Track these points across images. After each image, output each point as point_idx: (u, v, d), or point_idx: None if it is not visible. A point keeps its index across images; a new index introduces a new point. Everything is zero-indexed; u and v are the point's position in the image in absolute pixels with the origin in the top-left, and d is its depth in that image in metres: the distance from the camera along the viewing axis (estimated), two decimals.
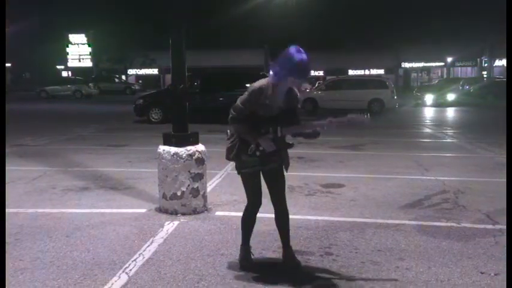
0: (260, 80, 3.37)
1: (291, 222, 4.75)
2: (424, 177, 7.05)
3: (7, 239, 4.24)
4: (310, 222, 4.81)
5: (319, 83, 29.06)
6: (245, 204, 5.39)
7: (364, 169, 7.64)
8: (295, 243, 4.16)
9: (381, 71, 49.93)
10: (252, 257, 3.70)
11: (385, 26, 48.03)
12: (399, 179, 6.92)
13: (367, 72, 49.56)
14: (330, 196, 5.90)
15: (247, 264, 3.63)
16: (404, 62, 51.63)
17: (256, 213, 3.62)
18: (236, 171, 3.56)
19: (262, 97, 3.30)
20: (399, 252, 3.99)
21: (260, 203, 3.58)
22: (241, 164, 3.45)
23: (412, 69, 53.62)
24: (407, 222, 4.84)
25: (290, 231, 4.48)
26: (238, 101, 3.35)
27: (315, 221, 4.85)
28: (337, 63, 48.57)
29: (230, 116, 3.36)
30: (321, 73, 52.02)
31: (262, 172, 3.54)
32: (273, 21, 41.94)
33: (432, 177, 6.99)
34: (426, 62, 51.39)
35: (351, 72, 48.25)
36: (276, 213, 3.62)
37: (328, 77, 38.52)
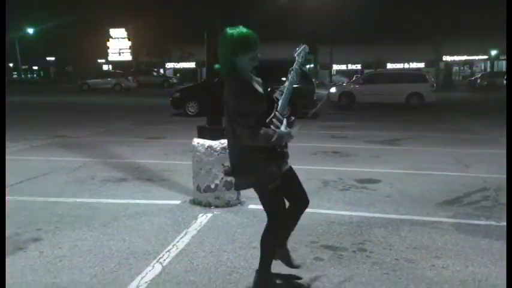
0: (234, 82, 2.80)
1: (323, 217, 4.75)
2: (464, 174, 6.84)
3: (48, 227, 4.41)
4: (344, 217, 4.76)
5: (356, 76, 28.63)
6: None
7: (400, 165, 7.49)
8: (328, 238, 4.14)
9: (421, 65, 48.79)
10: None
11: (425, 18, 46.71)
12: (437, 175, 6.74)
13: (406, 65, 48.50)
14: (364, 192, 5.82)
15: None
16: (446, 55, 50.16)
17: None
18: (259, 191, 2.98)
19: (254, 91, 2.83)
20: (435, 250, 3.90)
21: None
22: (269, 177, 2.84)
23: (454, 62, 52.08)
24: (444, 219, 4.71)
25: (323, 226, 4.48)
26: (245, 114, 2.70)
27: (349, 216, 4.79)
28: (375, 56, 47.82)
29: (249, 135, 2.72)
30: (359, 66, 51.32)
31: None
32: (310, 15, 41.56)
33: (472, 174, 6.77)
34: (469, 55, 49.79)
35: (389, 65, 47.33)
36: (300, 206, 3.11)
37: (365, 71, 37.95)
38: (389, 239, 4.15)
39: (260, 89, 2.89)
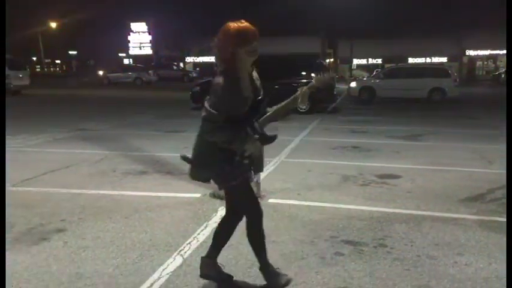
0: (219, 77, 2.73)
1: (343, 212, 4.74)
2: (487, 170, 6.72)
3: (71, 218, 4.49)
4: (364, 212, 4.73)
5: (377, 71, 28.33)
6: (298, 192, 5.40)
7: (422, 160, 7.40)
8: (348, 233, 4.13)
9: (444, 59, 47.90)
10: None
11: (447, 11, 45.83)
12: (459, 171, 6.64)
13: (428, 60, 47.69)
14: (385, 187, 5.77)
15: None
16: (469, 49, 49.17)
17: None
18: (222, 188, 3.00)
19: (241, 89, 2.74)
20: (458, 247, 3.85)
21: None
22: (227, 175, 2.82)
23: (477, 57, 51.04)
24: (467, 216, 4.64)
25: (343, 221, 4.46)
26: (216, 110, 2.68)
27: (369, 211, 4.76)
28: (396, 50, 47.10)
29: (210, 129, 2.75)
30: (379, 61, 50.71)
31: None
32: (330, 8, 41.17)
33: (496, 170, 6.65)
34: (493, 50, 48.69)
35: (411, 60, 46.59)
36: (237, 219, 3.17)
37: (386, 65, 37.52)
38: (411, 235, 4.11)
39: (248, 91, 2.78)
